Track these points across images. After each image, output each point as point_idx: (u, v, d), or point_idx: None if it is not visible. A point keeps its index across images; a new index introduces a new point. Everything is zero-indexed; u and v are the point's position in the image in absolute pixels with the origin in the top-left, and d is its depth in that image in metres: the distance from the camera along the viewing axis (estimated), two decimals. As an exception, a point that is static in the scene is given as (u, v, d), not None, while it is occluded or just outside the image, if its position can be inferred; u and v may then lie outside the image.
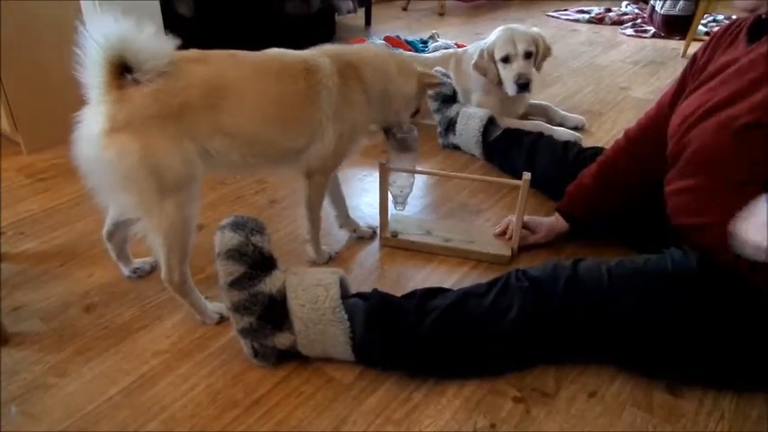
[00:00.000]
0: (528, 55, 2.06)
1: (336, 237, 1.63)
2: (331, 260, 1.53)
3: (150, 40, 1.05)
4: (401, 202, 1.59)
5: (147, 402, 1.09)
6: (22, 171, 1.91)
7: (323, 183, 1.38)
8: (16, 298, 1.35)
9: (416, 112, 1.48)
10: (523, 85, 2.05)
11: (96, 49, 1.02)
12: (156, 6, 2.12)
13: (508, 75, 2.06)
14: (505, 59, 2.06)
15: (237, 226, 1.08)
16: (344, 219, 1.62)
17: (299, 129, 1.25)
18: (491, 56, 2.10)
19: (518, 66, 2.04)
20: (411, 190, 1.57)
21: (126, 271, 1.43)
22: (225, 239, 1.07)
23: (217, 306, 1.30)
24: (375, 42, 2.91)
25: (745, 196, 0.96)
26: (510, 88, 2.07)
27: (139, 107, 1.05)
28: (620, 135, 1.48)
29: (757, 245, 0.91)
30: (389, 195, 1.56)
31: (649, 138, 1.38)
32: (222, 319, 1.29)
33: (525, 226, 1.51)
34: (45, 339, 1.23)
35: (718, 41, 1.21)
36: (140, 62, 1.04)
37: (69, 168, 1.87)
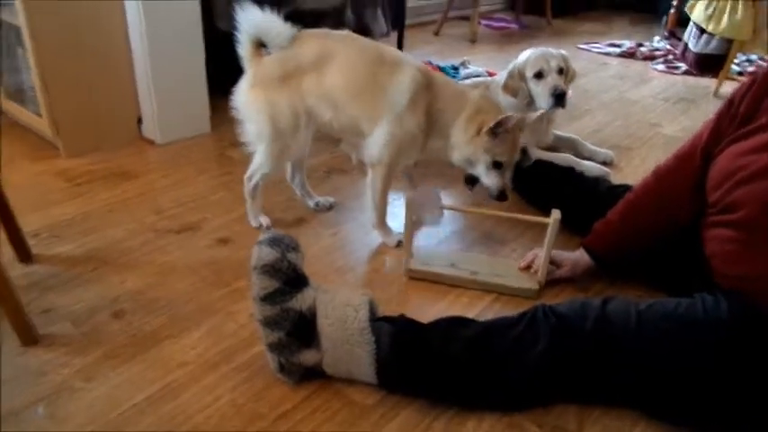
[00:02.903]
0: (560, 71, 2.08)
1: (361, 258, 1.64)
2: (401, 245, 1.64)
3: (275, 25, 1.49)
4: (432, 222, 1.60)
5: (171, 412, 1.10)
6: (60, 175, 1.96)
7: (383, 175, 1.59)
8: (48, 300, 1.38)
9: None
10: (560, 97, 2.05)
11: (242, 33, 1.50)
12: (199, 30, 2.19)
13: (543, 90, 2.07)
14: (538, 75, 2.07)
15: (274, 242, 1.10)
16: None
17: (365, 111, 1.52)
18: (522, 74, 2.12)
19: (552, 79, 2.06)
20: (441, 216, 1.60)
21: (310, 204, 1.85)
22: (262, 254, 1.09)
23: (265, 219, 1.72)
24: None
25: None
26: (545, 102, 2.07)
27: (268, 70, 1.52)
28: (649, 173, 1.47)
29: None
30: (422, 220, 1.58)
31: (678, 179, 1.37)
32: (261, 227, 1.70)
33: (550, 260, 1.51)
34: (74, 343, 1.26)
35: (760, 87, 1.20)
36: (268, 40, 1.51)
37: (105, 175, 1.97)
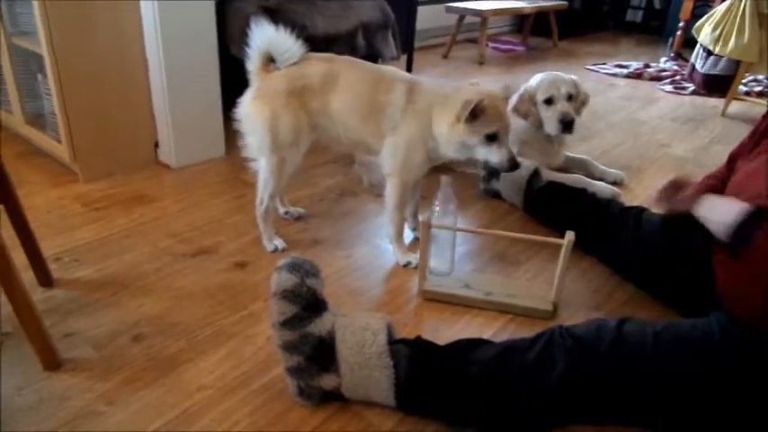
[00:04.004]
0: (570, 97, 2.12)
1: (375, 280, 1.65)
2: (409, 266, 1.69)
3: (286, 42, 1.56)
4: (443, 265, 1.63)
5: (191, 437, 1.11)
6: (79, 199, 1.99)
7: (397, 185, 1.64)
8: (69, 324, 1.40)
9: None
10: (568, 124, 2.09)
11: (254, 47, 1.56)
12: (215, 57, 2.24)
13: (551, 115, 2.10)
14: (548, 101, 2.11)
15: (294, 267, 1.12)
16: (413, 221, 1.86)
17: (371, 128, 1.59)
18: (532, 98, 2.15)
19: (561, 106, 2.09)
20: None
21: (281, 210, 1.93)
22: (281, 280, 1.11)
23: (279, 242, 1.75)
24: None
25: None
26: (553, 128, 2.11)
27: (274, 84, 1.57)
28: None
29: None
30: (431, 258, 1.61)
31: (718, 181, 1.39)
32: (276, 250, 1.73)
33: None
34: (95, 367, 1.27)
35: None
36: (279, 55, 1.57)
37: (122, 199, 2.00)
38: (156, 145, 2.29)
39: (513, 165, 1.50)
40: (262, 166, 1.67)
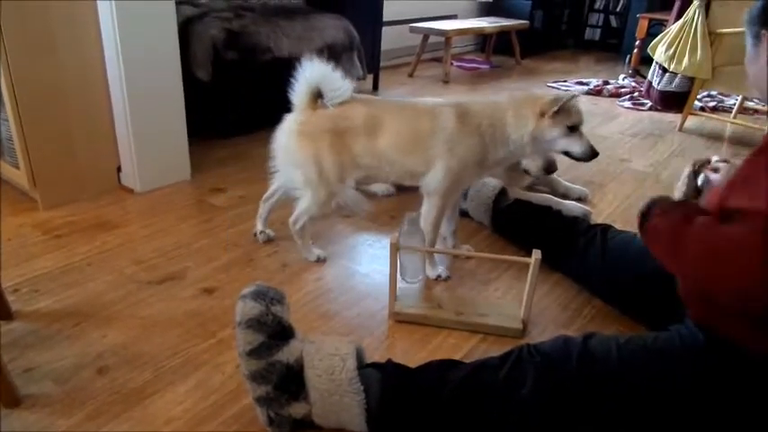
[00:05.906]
0: None
1: (346, 303, 1.64)
2: (439, 278, 1.76)
3: (339, 80, 1.59)
4: (411, 276, 1.63)
5: (159, 472, 1.08)
6: (39, 227, 1.94)
7: (437, 204, 1.67)
8: (29, 358, 1.35)
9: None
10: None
11: (303, 82, 1.58)
12: (179, 79, 2.22)
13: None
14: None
15: (258, 295, 1.11)
16: (451, 238, 1.89)
17: (421, 157, 1.62)
18: None
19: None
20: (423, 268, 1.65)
21: (259, 227, 1.93)
22: (246, 308, 1.10)
23: (319, 251, 1.83)
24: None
25: None
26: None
27: (320, 122, 1.61)
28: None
29: None
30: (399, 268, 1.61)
31: None
32: (318, 260, 1.82)
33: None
34: (57, 403, 1.23)
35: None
36: (329, 92, 1.59)
37: (84, 226, 1.95)
38: (119, 169, 2.25)
39: (594, 153, 1.62)
40: (307, 197, 1.70)
